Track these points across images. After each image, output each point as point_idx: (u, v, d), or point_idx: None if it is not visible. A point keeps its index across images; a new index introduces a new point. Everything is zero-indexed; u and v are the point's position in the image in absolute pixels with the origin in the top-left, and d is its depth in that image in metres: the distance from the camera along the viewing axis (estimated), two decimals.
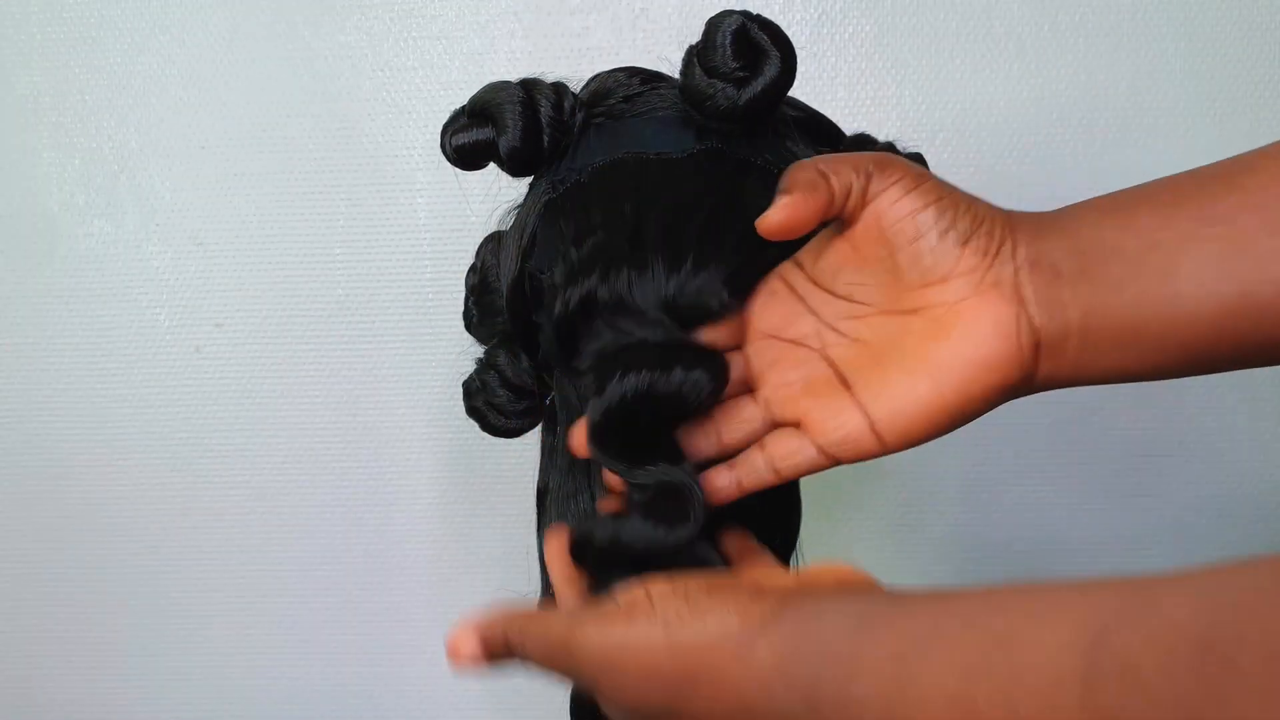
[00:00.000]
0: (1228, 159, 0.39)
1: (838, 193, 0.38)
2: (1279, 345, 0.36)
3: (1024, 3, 0.78)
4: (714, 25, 0.44)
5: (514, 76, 0.48)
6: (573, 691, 0.46)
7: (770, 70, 0.43)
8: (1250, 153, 0.39)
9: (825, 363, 0.40)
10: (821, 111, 0.51)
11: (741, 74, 0.43)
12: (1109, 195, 0.39)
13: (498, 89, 0.47)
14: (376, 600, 0.91)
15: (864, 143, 0.49)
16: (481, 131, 0.47)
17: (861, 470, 0.85)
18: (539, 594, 0.50)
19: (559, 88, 0.48)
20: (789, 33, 0.45)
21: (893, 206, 0.38)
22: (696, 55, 0.44)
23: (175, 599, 0.91)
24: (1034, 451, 0.84)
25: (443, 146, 0.48)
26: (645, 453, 0.40)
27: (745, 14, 0.44)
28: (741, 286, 0.43)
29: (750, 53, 0.44)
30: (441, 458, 0.88)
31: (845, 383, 0.40)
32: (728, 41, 0.43)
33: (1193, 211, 0.37)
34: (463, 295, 0.55)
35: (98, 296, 0.87)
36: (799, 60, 0.45)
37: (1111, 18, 0.78)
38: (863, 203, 0.38)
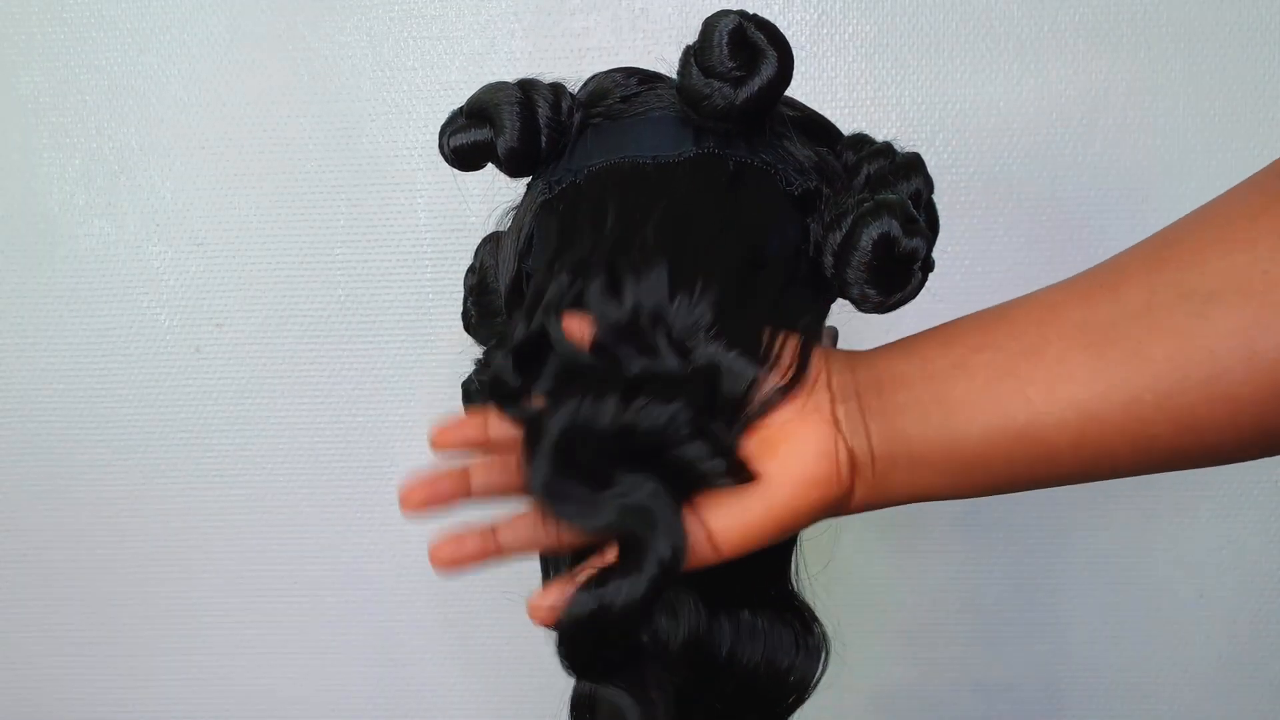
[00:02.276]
0: (1019, 298, 0.42)
1: None
2: (1047, 470, 0.39)
3: (1024, 3, 0.78)
4: (711, 25, 0.44)
5: (514, 77, 0.48)
6: (573, 693, 0.46)
7: (767, 70, 0.43)
8: (1038, 291, 0.43)
9: None
10: (821, 112, 0.51)
11: (738, 74, 0.43)
12: (913, 334, 0.43)
13: (495, 90, 0.47)
14: (376, 600, 0.91)
15: (862, 142, 0.49)
16: (479, 132, 0.47)
17: None
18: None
19: (557, 88, 0.48)
20: (789, 33, 0.45)
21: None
22: (693, 55, 0.44)
23: (175, 599, 0.92)
24: None
25: (441, 147, 0.48)
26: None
27: (742, 14, 0.44)
28: (728, 313, 0.42)
29: (747, 52, 0.43)
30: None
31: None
32: (724, 41, 0.43)
33: (966, 340, 0.40)
34: (462, 295, 0.55)
35: (98, 296, 0.87)
36: (798, 60, 0.45)
37: (1111, 18, 0.78)
38: None
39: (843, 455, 0.40)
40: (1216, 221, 0.43)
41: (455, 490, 0.46)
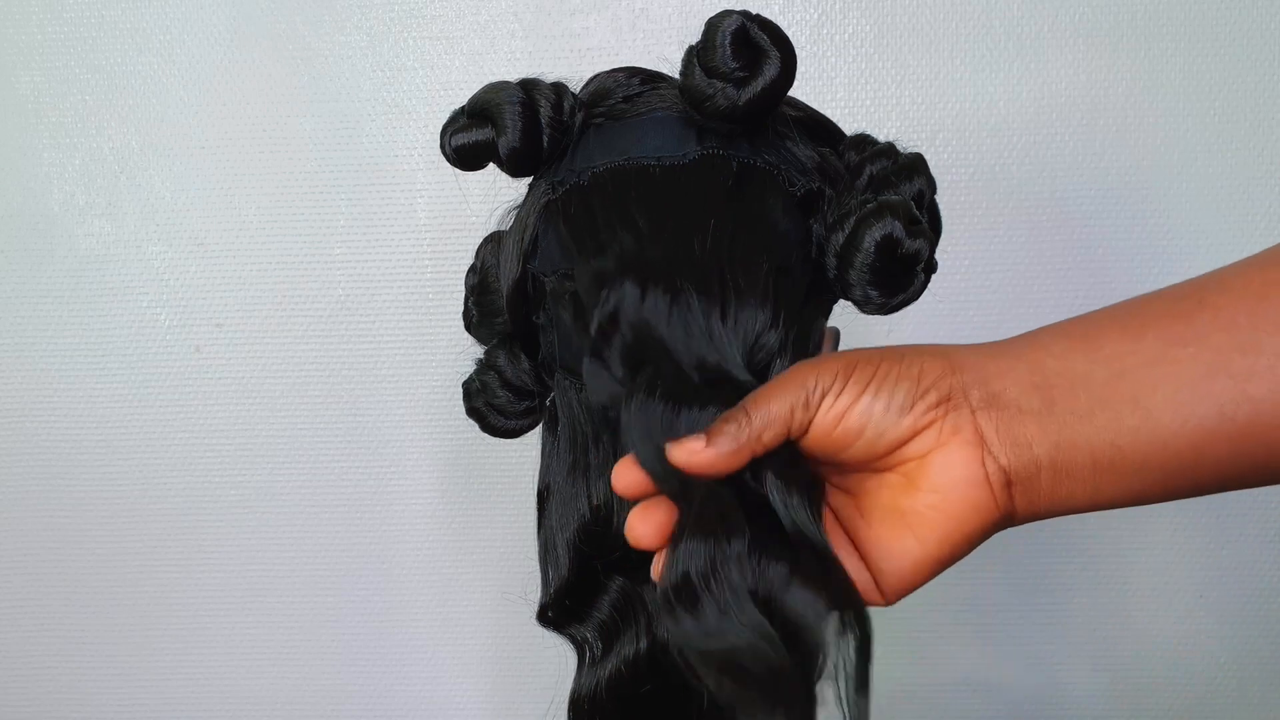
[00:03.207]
0: (1195, 277, 0.39)
1: (764, 439, 0.37)
2: (1263, 466, 0.36)
3: (1024, 3, 0.78)
4: (713, 25, 0.44)
5: (514, 77, 0.48)
6: (572, 693, 0.46)
7: (770, 70, 0.43)
8: (1219, 270, 0.39)
9: (833, 517, 0.40)
10: (822, 111, 0.51)
11: (741, 74, 0.43)
12: (1073, 320, 0.39)
13: (497, 89, 0.47)
14: (376, 600, 0.91)
15: (865, 143, 0.49)
16: (481, 132, 0.47)
17: None
18: (539, 594, 0.50)
19: (558, 88, 0.48)
20: (789, 33, 0.45)
21: (828, 417, 0.38)
22: (696, 55, 0.44)
23: (175, 599, 0.92)
24: None
25: (442, 147, 0.48)
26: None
27: (745, 14, 0.44)
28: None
29: (750, 53, 0.43)
30: (441, 458, 0.88)
31: (849, 536, 0.40)
32: (727, 41, 0.43)
33: (1161, 332, 0.37)
34: (463, 295, 0.55)
35: (98, 296, 0.87)
36: (799, 60, 0.45)
37: (1111, 18, 0.78)
38: (806, 423, 0.38)
39: (995, 476, 0.37)
40: None
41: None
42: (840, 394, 0.37)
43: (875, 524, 0.39)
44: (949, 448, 0.37)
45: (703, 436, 0.36)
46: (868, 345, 0.41)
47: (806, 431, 0.38)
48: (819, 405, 0.37)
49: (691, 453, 0.36)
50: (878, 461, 0.38)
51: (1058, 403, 0.37)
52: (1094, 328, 0.38)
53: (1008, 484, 0.37)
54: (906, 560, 0.38)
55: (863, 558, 0.39)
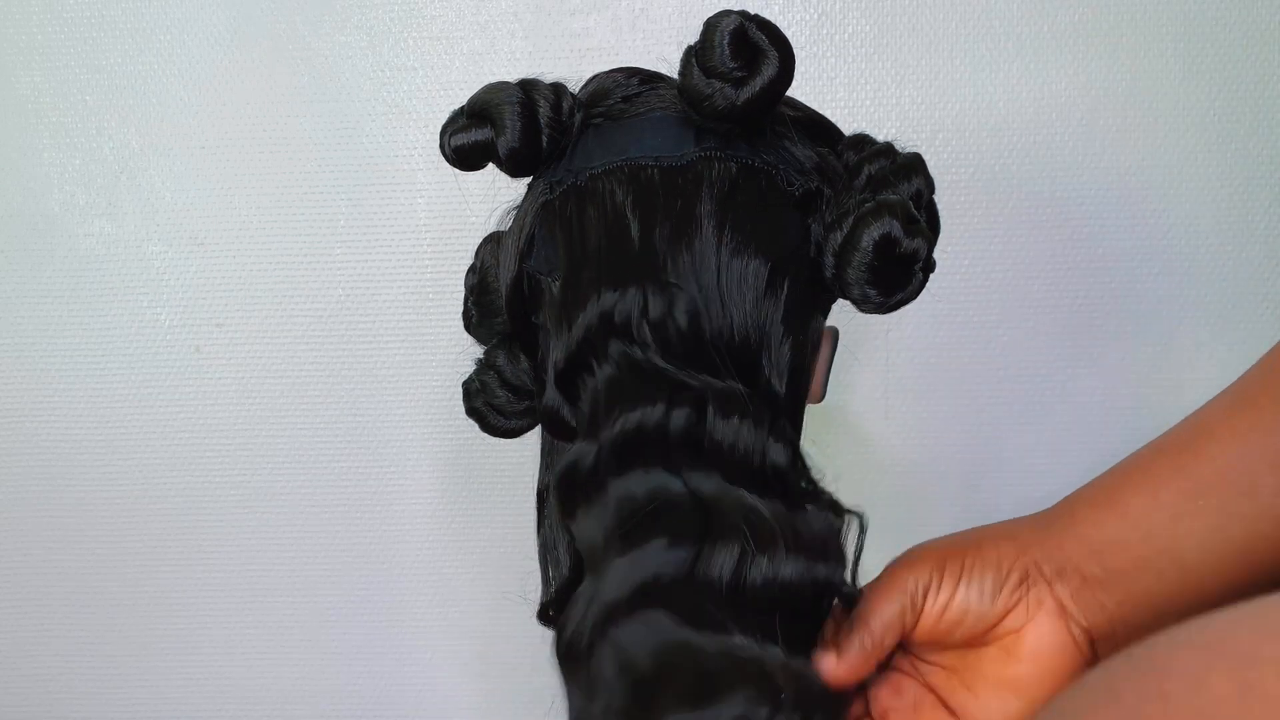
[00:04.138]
0: (1187, 422, 0.43)
1: (885, 643, 0.42)
2: None
3: (1024, 3, 0.78)
4: (712, 26, 0.44)
5: (514, 77, 0.48)
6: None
7: (768, 70, 0.43)
8: (1206, 414, 0.43)
9: (926, 689, 0.45)
10: (821, 111, 0.51)
11: (739, 74, 0.43)
12: (1097, 484, 0.44)
13: (496, 89, 0.47)
14: (376, 600, 0.91)
15: (863, 143, 0.49)
16: (480, 132, 0.47)
17: (860, 469, 0.85)
18: (539, 594, 0.50)
19: (558, 88, 0.48)
20: (789, 33, 0.45)
21: (933, 612, 0.43)
22: (695, 55, 0.44)
23: (175, 599, 0.92)
24: (1038, 447, 0.84)
25: (441, 147, 0.48)
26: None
27: (743, 14, 0.44)
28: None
29: (748, 53, 0.43)
30: (441, 458, 0.88)
31: (949, 708, 0.44)
32: (725, 42, 0.43)
33: (1177, 490, 0.41)
34: (462, 295, 0.55)
35: (98, 296, 0.87)
36: (799, 60, 0.45)
37: (1111, 18, 0.78)
38: (915, 621, 0.43)
39: (1080, 637, 0.42)
40: None
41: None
42: (939, 589, 0.42)
43: (982, 694, 0.43)
44: (1038, 620, 0.42)
45: (833, 654, 0.40)
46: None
47: (915, 626, 0.43)
48: (924, 604, 0.42)
49: (827, 672, 0.40)
50: (977, 640, 0.43)
51: (1111, 568, 0.41)
52: (1116, 491, 0.43)
53: (1091, 641, 0.42)
54: (1011, 715, 0.42)
55: (958, 714, 0.44)
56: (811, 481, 0.43)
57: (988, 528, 0.45)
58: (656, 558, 0.38)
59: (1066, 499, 0.45)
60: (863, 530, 0.44)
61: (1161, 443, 0.43)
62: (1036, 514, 0.46)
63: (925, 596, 0.42)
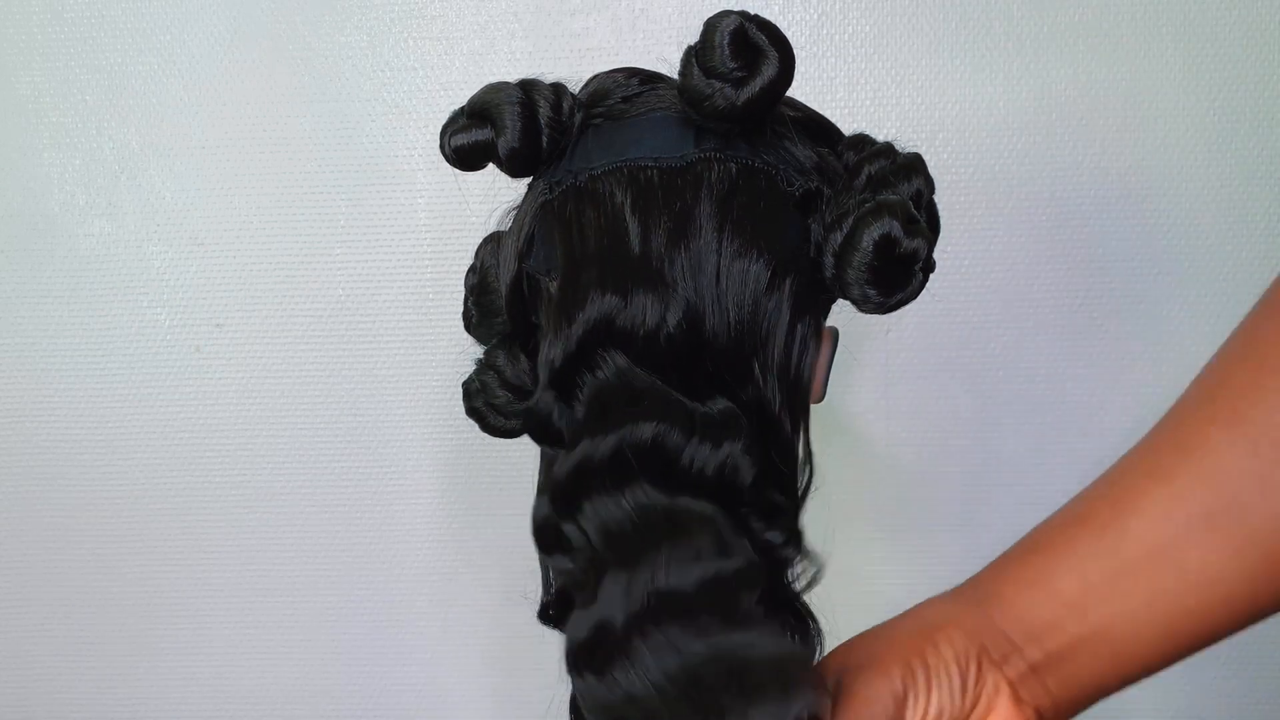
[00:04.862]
0: (1103, 489, 0.43)
1: None
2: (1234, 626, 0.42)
3: (1024, 3, 0.78)
4: (712, 26, 0.44)
5: (514, 77, 0.48)
6: (572, 693, 0.46)
7: (768, 70, 0.43)
8: (1122, 482, 0.43)
9: None
10: (821, 111, 0.51)
11: (740, 74, 0.43)
12: (1020, 559, 0.44)
13: (496, 90, 0.47)
14: (376, 600, 0.91)
15: (863, 143, 0.49)
16: (480, 132, 0.47)
17: (860, 469, 0.85)
18: (539, 594, 0.50)
19: (558, 88, 0.48)
20: (789, 33, 0.45)
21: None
22: (695, 55, 0.44)
23: (175, 599, 0.92)
24: (1038, 447, 0.84)
25: (441, 147, 0.48)
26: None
27: (743, 14, 0.44)
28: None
29: (748, 53, 0.43)
30: (441, 458, 0.88)
31: None
32: (725, 42, 0.43)
33: (1105, 570, 0.41)
34: (462, 295, 0.55)
35: (98, 296, 0.87)
36: (799, 60, 0.45)
37: (1111, 18, 0.78)
38: None
39: (1032, 715, 0.42)
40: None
41: None
42: (916, 699, 0.42)
43: None
44: (997, 709, 0.42)
45: None
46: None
47: None
48: (904, 714, 0.41)
49: None
50: None
51: (1049, 650, 0.42)
52: (1045, 570, 0.43)
53: (1041, 715, 0.43)
54: None
55: None
56: (783, 513, 0.44)
57: (925, 613, 0.45)
58: (660, 572, 0.39)
59: (989, 575, 0.45)
60: (817, 573, 0.45)
61: (1083, 512, 0.43)
62: (961, 589, 0.46)
63: (904, 706, 0.41)
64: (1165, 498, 0.40)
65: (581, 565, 0.43)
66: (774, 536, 0.43)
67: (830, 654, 0.45)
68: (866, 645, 0.44)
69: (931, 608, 0.45)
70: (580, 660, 0.40)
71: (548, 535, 0.44)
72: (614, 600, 0.40)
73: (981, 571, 0.45)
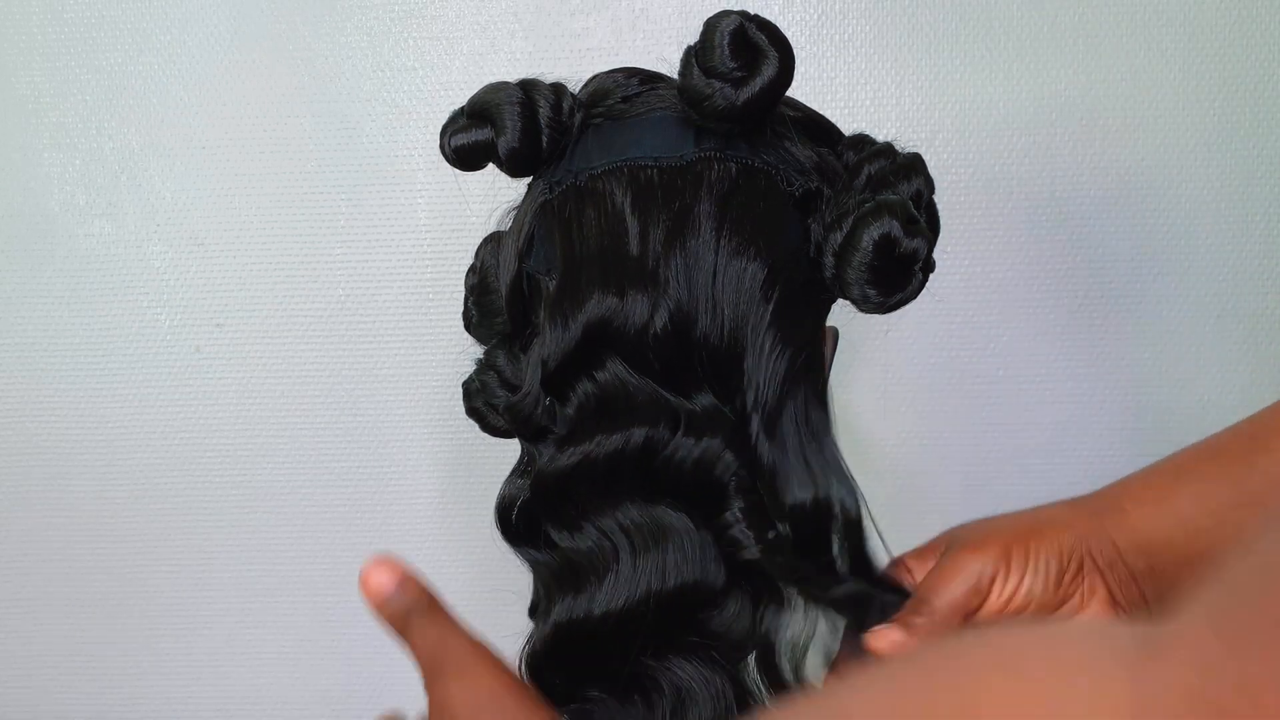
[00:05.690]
0: (1243, 428, 0.45)
1: (949, 624, 0.44)
2: None
3: (1024, 3, 0.78)
4: (711, 26, 0.44)
5: (514, 77, 0.48)
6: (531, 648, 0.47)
7: (768, 70, 0.43)
8: (1262, 423, 0.44)
9: None
10: (821, 111, 0.51)
11: (739, 74, 0.43)
12: (1146, 481, 0.46)
13: (496, 90, 0.47)
14: None
15: (863, 143, 0.49)
16: (480, 132, 0.47)
17: (860, 469, 0.85)
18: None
19: (558, 88, 0.48)
20: (789, 33, 0.45)
21: (999, 601, 0.44)
22: (695, 55, 0.44)
23: (175, 599, 0.92)
24: (1038, 447, 0.84)
25: (442, 147, 0.48)
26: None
27: (743, 14, 0.44)
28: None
29: (748, 53, 0.43)
30: (441, 458, 0.88)
31: None
32: (725, 42, 0.43)
33: (1226, 499, 0.43)
34: (462, 295, 0.55)
35: (98, 296, 0.87)
36: (798, 61, 0.45)
37: (1111, 17, 0.78)
38: (979, 605, 0.44)
39: (1123, 615, 0.45)
40: None
41: None
42: (1007, 578, 0.44)
43: None
44: (1091, 607, 0.45)
45: (897, 628, 0.42)
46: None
47: (979, 609, 0.44)
48: (990, 590, 0.44)
49: (892, 644, 0.42)
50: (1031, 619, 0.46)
51: (1156, 564, 0.44)
52: (1168, 490, 0.45)
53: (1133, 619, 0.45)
54: None
55: None
56: (759, 512, 0.45)
57: (1042, 511, 0.46)
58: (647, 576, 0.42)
59: (1113, 489, 0.47)
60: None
61: (1216, 445, 0.45)
62: (1083, 499, 0.47)
63: (992, 584, 0.44)
64: None
65: (558, 562, 0.45)
66: (741, 534, 0.43)
67: (945, 531, 0.48)
68: (978, 527, 0.46)
69: (1049, 508, 0.46)
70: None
71: (520, 525, 0.47)
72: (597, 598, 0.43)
73: (1105, 487, 0.47)
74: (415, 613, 0.40)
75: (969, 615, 0.44)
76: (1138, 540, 0.44)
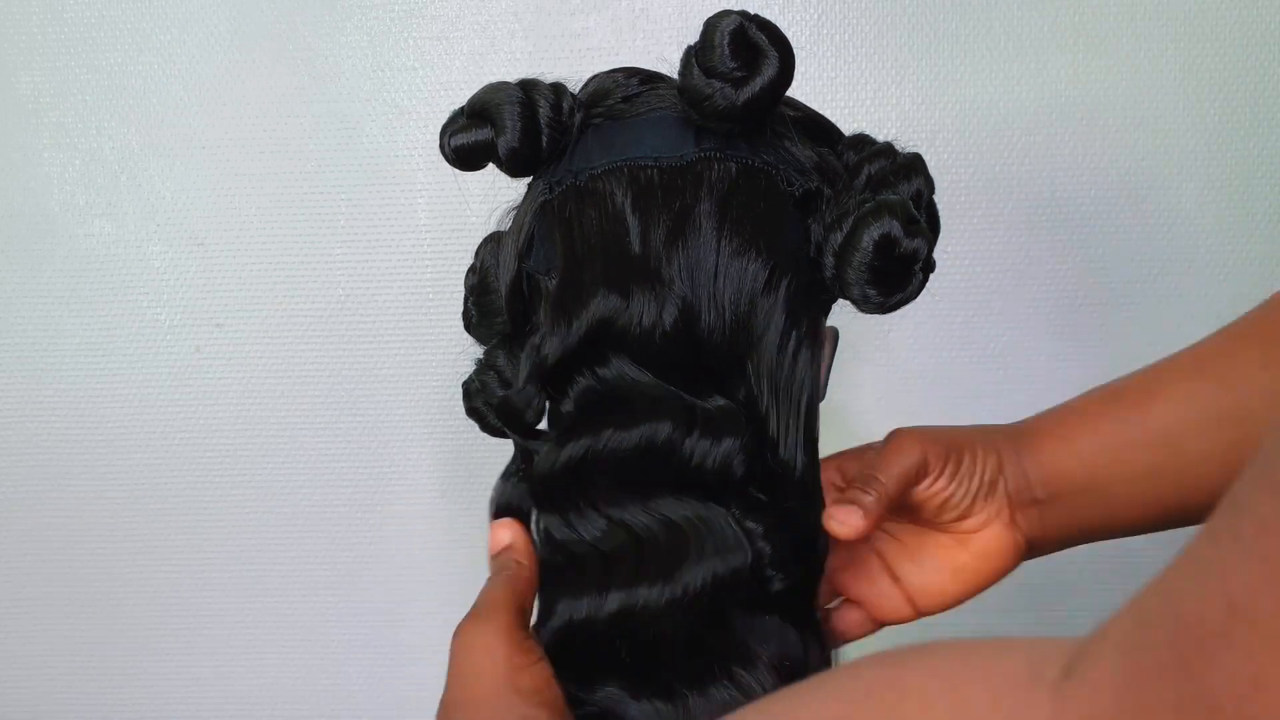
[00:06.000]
0: (1145, 375, 0.50)
1: (896, 495, 0.47)
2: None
3: (1024, 3, 0.78)
4: (712, 26, 0.44)
5: (514, 77, 0.48)
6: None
7: (768, 70, 0.43)
8: (1162, 372, 0.50)
9: (875, 553, 0.53)
10: (821, 111, 0.51)
11: (739, 74, 0.43)
12: (1054, 417, 0.51)
13: (496, 89, 0.47)
14: (376, 600, 0.91)
15: (863, 143, 0.49)
16: (480, 132, 0.47)
17: None
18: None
19: (558, 88, 0.48)
20: (789, 33, 0.45)
21: (928, 493, 0.49)
22: (695, 55, 0.44)
23: (175, 599, 0.92)
24: None
25: (442, 147, 0.48)
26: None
27: (743, 14, 0.44)
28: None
29: (748, 53, 0.43)
30: (441, 458, 0.88)
31: (893, 574, 0.52)
32: (725, 42, 0.43)
33: (1121, 439, 0.48)
34: (462, 295, 0.55)
35: (98, 296, 0.87)
36: (799, 60, 0.45)
37: (1111, 17, 0.78)
38: (912, 488, 0.49)
39: (1021, 542, 0.50)
40: None
41: None
42: (939, 475, 0.48)
43: (926, 570, 0.51)
44: (994, 526, 0.49)
45: (857, 510, 0.45)
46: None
47: (916, 484, 0.48)
48: (923, 480, 0.48)
49: (852, 529, 0.44)
50: (937, 526, 0.50)
51: (1054, 492, 0.49)
52: (1071, 428, 0.50)
53: (1028, 546, 0.50)
54: (947, 596, 0.51)
55: (902, 588, 0.51)
56: (765, 509, 0.45)
57: (975, 430, 0.50)
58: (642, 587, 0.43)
59: (1030, 423, 0.51)
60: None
61: (1117, 389, 0.50)
62: (1008, 427, 0.51)
63: (926, 474, 0.48)
64: (1188, 394, 0.47)
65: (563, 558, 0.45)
66: (754, 526, 0.44)
67: (900, 428, 0.51)
68: (928, 428, 0.50)
69: (981, 429, 0.51)
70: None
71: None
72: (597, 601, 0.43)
73: (1029, 418, 0.52)
74: (502, 568, 0.47)
75: (908, 489, 0.48)
76: (1044, 473, 0.49)
